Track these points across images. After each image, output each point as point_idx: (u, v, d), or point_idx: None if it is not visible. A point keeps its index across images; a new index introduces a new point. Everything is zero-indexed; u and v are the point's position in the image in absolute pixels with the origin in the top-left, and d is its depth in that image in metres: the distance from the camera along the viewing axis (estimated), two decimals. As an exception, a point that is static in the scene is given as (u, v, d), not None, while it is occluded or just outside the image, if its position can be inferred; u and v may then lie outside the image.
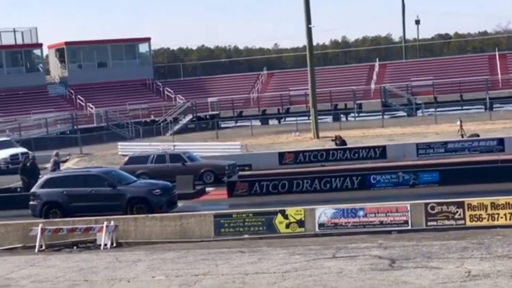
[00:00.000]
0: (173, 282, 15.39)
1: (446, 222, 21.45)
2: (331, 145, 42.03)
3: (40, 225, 22.88)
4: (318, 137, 51.22)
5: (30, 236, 22.90)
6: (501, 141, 37.90)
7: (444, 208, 21.57)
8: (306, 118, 59.62)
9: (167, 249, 20.31)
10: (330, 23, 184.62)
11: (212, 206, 27.76)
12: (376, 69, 76.71)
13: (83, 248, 22.39)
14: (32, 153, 42.33)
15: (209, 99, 72.59)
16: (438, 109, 64.54)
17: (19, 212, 27.87)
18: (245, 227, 22.50)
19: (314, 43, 65.04)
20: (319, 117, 54.80)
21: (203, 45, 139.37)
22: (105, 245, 22.10)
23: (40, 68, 75.63)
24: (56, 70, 77.25)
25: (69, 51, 75.82)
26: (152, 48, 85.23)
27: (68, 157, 49.31)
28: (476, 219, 21.36)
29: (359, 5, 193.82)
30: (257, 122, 69.99)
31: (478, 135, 40.93)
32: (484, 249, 16.51)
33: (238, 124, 72.30)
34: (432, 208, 21.64)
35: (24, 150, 46.27)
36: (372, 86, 72.35)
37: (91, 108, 68.24)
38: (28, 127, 61.27)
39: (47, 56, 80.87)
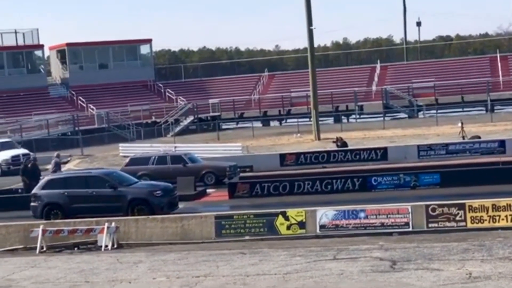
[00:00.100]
0: (174, 283, 15.40)
1: (447, 224, 21.45)
2: (332, 146, 42.03)
3: (41, 227, 22.88)
4: (319, 138, 51.20)
5: (31, 237, 22.90)
6: (502, 143, 37.88)
7: (445, 210, 21.57)
8: (307, 119, 59.61)
9: (168, 251, 20.32)
10: (331, 24, 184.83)
11: (213, 208, 27.75)
12: (377, 70, 76.70)
13: (84, 250, 22.40)
14: (33, 154, 42.30)
15: (210, 101, 72.59)
16: (439, 111, 64.48)
17: (20, 213, 27.89)
18: (246, 228, 22.50)
19: (315, 45, 65.02)
20: (320, 118, 54.80)
21: (204, 47, 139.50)
22: (106, 246, 22.10)
23: (41, 69, 75.65)
24: (57, 71, 77.28)
25: (70, 52, 75.84)
26: (154, 49, 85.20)
27: (69, 159, 49.32)
28: (477, 221, 21.35)
29: (360, 6, 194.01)
30: (258, 124, 69.98)
31: (479, 137, 40.93)
32: (485, 251, 16.52)
33: (239, 125, 72.28)
34: (433, 209, 21.64)
35: (25, 151, 46.27)
36: (373, 87, 72.34)
37: (92, 109, 68.26)
38: (29, 128, 61.27)
39: (48, 57, 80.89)
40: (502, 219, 21.20)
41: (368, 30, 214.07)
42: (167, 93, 75.05)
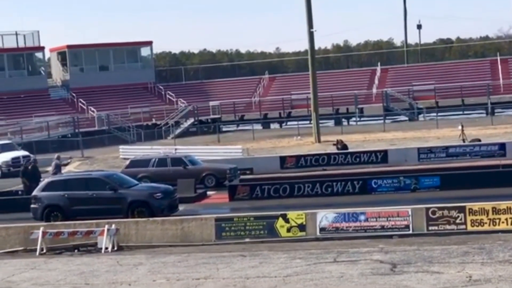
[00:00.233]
0: (174, 285, 15.40)
1: (447, 226, 21.45)
2: (332, 149, 42.03)
3: (41, 228, 22.88)
4: (319, 141, 51.20)
5: (31, 239, 22.91)
6: (502, 146, 37.89)
7: (445, 212, 21.57)
8: (308, 122, 59.59)
9: (168, 253, 20.33)
10: (332, 27, 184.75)
11: (213, 210, 27.76)
12: (378, 73, 76.68)
13: (84, 252, 22.41)
14: (34, 156, 42.31)
15: (211, 103, 72.57)
16: (439, 114, 64.49)
17: (20, 215, 27.89)
18: (246, 231, 22.50)
19: (316, 47, 65.05)
20: (320, 121, 54.80)
21: (204, 49, 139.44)
22: (106, 248, 22.11)
23: (42, 71, 75.65)
24: (58, 73, 77.28)
25: (71, 55, 75.85)
26: (154, 51, 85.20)
27: (69, 161, 49.33)
28: (477, 224, 21.35)
29: (361, 9, 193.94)
30: (258, 126, 69.93)
31: (479, 140, 40.93)
32: (485, 254, 16.52)
33: (240, 128, 72.26)
34: (433, 212, 21.64)
35: (25, 153, 46.29)
36: (374, 90, 72.33)
37: (93, 111, 68.27)
38: (30, 130, 61.26)
39: (49, 59, 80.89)
40: (502, 222, 21.20)
41: (369, 32, 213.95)
42: (167, 95, 75.06)
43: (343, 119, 68.58)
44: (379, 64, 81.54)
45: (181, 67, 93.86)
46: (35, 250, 22.51)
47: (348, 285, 14.43)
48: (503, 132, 48.41)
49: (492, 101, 67.53)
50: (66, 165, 45.91)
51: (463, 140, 42.35)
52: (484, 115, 65.84)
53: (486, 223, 21.30)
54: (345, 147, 41.09)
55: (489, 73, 73.40)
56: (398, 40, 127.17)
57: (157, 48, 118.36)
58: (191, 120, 69.97)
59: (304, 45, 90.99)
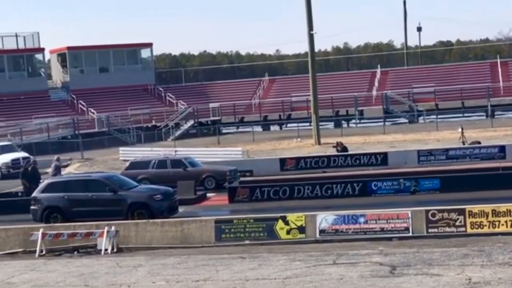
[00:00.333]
0: (173, 287, 15.40)
1: (447, 229, 21.44)
2: (332, 151, 42.01)
3: (41, 230, 22.88)
4: (319, 143, 51.21)
5: (30, 241, 22.91)
6: (502, 148, 37.88)
7: (445, 215, 21.56)
8: (308, 124, 59.59)
9: (167, 255, 20.32)
10: (332, 29, 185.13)
11: (213, 212, 27.76)
12: (378, 75, 76.71)
13: (84, 253, 22.40)
14: (33, 158, 42.32)
15: (211, 105, 72.59)
16: (439, 116, 64.53)
17: (20, 217, 27.86)
18: (246, 233, 22.49)
19: (316, 49, 65.14)
20: (320, 123, 54.81)
21: (205, 51, 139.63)
22: (106, 250, 22.10)
23: (42, 73, 75.67)
24: (58, 75, 77.30)
25: (71, 56, 75.87)
26: (154, 53, 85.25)
27: (69, 162, 49.32)
28: (477, 226, 21.34)
29: (361, 11, 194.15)
30: (258, 128, 69.97)
31: (479, 142, 40.92)
32: (485, 257, 16.51)
33: (240, 130, 72.31)
34: (433, 215, 21.63)
35: (25, 154, 46.29)
36: (374, 92, 72.35)
37: (93, 113, 68.28)
38: (30, 132, 61.26)
39: (49, 60, 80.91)
40: (502, 225, 21.19)
41: (369, 35, 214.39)
42: (167, 97, 75.08)
43: (343, 121, 68.59)
44: (379, 66, 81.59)
45: (181, 69, 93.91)
46: (34, 251, 22.51)
47: (347, 287, 14.43)
48: (503, 135, 48.42)
49: (492, 104, 67.56)
50: (66, 166, 45.90)
51: (463, 143, 42.35)
52: (484, 117, 65.88)
53: (485, 225, 21.30)
54: (345, 149, 41.08)
55: (489, 75, 73.42)
56: (398, 42, 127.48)
57: (157, 50, 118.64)
58: (191, 122, 69.97)
59: (304, 47, 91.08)
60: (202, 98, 75.63)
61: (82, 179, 28.23)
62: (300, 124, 61.82)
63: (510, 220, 21.16)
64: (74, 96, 71.70)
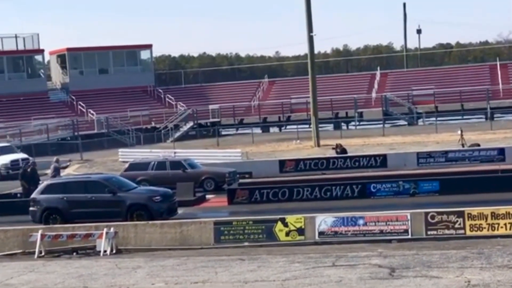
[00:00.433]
0: (172, 289, 15.38)
1: (446, 231, 21.44)
2: (331, 153, 42.02)
3: (40, 231, 22.88)
4: (318, 145, 51.21)
5: (29, 242, 22.90)
6: (501, 150, 37.88)
7: (444, 217, 21.57)
8: (307, 126, 59.63)
9: (167, 256, 20.31)
10: (332, 31, 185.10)
11: (212, 214, 27.75)
12: (377, 77, 76.75)
13: (83, 255, 22.39)
14: (33, 159, 42.31)
15: (210, 106, 72.62)
16: (438, 118, 64.55)
17: (19, 218, 27.86)
18: (245, 234, 22.49)
19: (316, 51, 65.07)
20: (320, 125, 54.80)
21: (204, 53, 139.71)
22: (105, 251, 22.10)
23: (42, 74, 75.68)
24: (57, 76, 77.30)
25: (71, 57, 75.88)
26: (154, 55, 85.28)
27: (68, 163, 49.30)
28: (476, 228, 21.34)
29: (360, 13, 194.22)
30: (258, 130, 69.99)
31: (478, 145, 40.92)
32: (484, 259, 16.50)
33: (239, 131, 72.30)
34: (432, 217, 21.63)
35: (24, 156, 46.28)
36: (373, 94, 72.38)
37: (92, 114, 68.27)
38: (29, 133, 61.25)
39: (48, 62, 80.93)
40: (501, 227, 21.19)
41: (369, 37, 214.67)
42: (167, 99, 75.08)
43: (343, 123, 68.62)
44: (378, 68, 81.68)
45: (180, 71, 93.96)
46: (33, 252, 22.49)
47: (346, 289, 14.43)
48: (502, 137, 48.42)
49: (492, 106, 67.59)
50: (65, 168, 45.89)
51: (462, 145, 42.35)
52: (484, 120, 65.90)
53: (485, 228, 21.30)
54: (344, 151, 41.10)
55: (489, 78, 73.46)
56: (397, 45, 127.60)
57: (157, 52, 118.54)
58: (190, 124, 69.99)
59: (304, 49, 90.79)
60: (202, 100, 75.67)
61: (81, 180, 28.22)
62: (299, 126, 61.84)
63: (509, 223, 21.16)
64: (73, 98, 71.71)
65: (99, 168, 45.85)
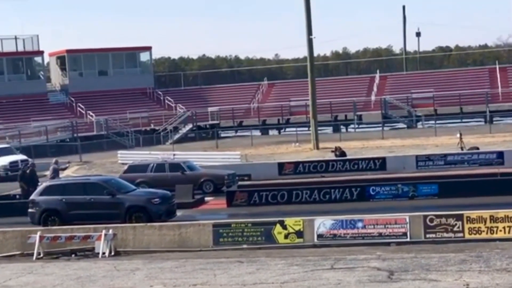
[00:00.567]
0: (171, 291, 15.38)
1: (445, 234, 21.44)
2: (331, 156, 42.03)
3: (39, 233, 22.86)
4: (318, 148, 51.20)
5: (28, 244, 22.89)
6: (500, 154, 37.89)
7: (443, 220, 21.56)
8: (306, 128, 59.63)
9: (165, 258, 20.30)
10: (331, 34, 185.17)
11: (211, 216, 27.73)
12: (377, 80, 76.77)
13: (81, 256, 22.38)
14: (32, 161, 42.28)
15: (210, 109, 72.62)
16: (438, 122, 64.56)
17: (17, 219, 27.86)
18: (244, 237, 22.48)
19: (315, 54, 65.19)
20: (319, 128, 54.81)
21: (204, 55, 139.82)
22: (104, 253, 22.08)
23: (41, 76, 75.64)
24: (57, 78, 77.28)
25: (70, 59, 75.86)
26: (153, 57, 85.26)
27: (67, 165, 49.30)
28: (475, 232, 21.34)
29: (360, 16, 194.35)
30: (257, 132, 69.97)
31: (477, 148, 40.93)
32: (482, 262, 16.51)
33: (238, 134, 72.27)
34: (431, 220, 21.63)
35: (23, 157, 46.27)
36: (373, 97, 72.39)
37: (91, 116, 68.26)
38: (28, 135, 61.23)
39: (48, 63, 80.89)
40: (500, 231, 21.19)
41: (368, 40, 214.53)
42: (166, 101, 75.07)
43: (342, 126, 68.60)
44: (378, 71, 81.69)
45: (180, 73, 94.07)
46: (32, 254, 22.48)
47: (345, 292, 14.43)
48: (501, 141, 48.44)
49: (491, 110, 67.62)
50: (64, 169, 45.89)
51: (462, 148, 42.36)
52: (483, 123, 65.93)
53: (483, 231, 21.30)
54: (343, 154, 41.10)
55: (488, 81, 73.50)
56: (397, 48, 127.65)
57: (156, 54, 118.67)
58: (189, 126, 70.00)
59: (303, 52, 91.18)
60: (201, 102, 75.67)
61: (80, 182, 28.22)
62: (298, 129, 61.83)
63: (508, 226, 21.16)
64: (73, 99, 71.69)
65: (98, 170, 45.86)
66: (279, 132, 72.47)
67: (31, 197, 27.79)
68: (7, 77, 71.46)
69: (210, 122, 71.62)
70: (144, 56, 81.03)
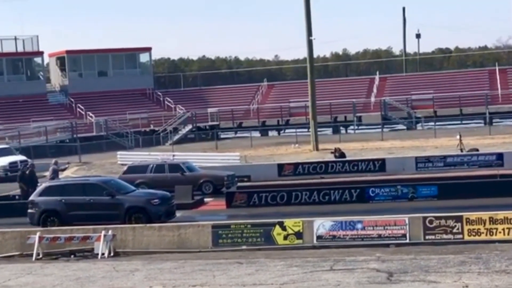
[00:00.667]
0: (170, 292, 15.38)
1: (444, 236, 21.44)
2: (330, 157, 41.98)
3: (38, 233, 22.86)
4: (317, 149, 51.20)
5: (27, 244, 22.89)
6: (500, 156, 37.88)
7: (442, 222, 21.56)
8: (306, 130, 59.61)
9: (164, 259, 20.31)
10: (331, 35, 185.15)
11: (211, 217, 27.73)
12: (376, 82, 76.78)
13: (81, 257, 22.38)
14: (31, 161, 42.28)
15: (209, 110, 72.61)
16: (437, 123, 64.55)
17: (17, 220, 27.85)
18: (243, 238, 22.48)
19: (315, 55, 65.20)
20: (318, 129, 54.79)
21: (203, 56, 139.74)
22: (103, 254, 22.08)
23: (41, 76, 75.63)
24: (56, 79, 77.28)
25: (70, 60, 75.84)
26: (153, 58, 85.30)
27: (67, 166, 49.29)
28: (474, 233, 21.34)
29: (360, 18, 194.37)
30: (256, 133, 69.97)
31: (477, 150, 40.93)
32: (482, 264, 16.51)
33: (238, 135, 72.28)
34: (430, 222, 21.63)
35: (23, 158, 46.25)
36: (372, 99, 72.40)
37: (91, 117, 68.24)
38: (28, 135, 61.22)
39: (47, 64, 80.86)
40: (499, 232, 21.19)
41: (368, 41, 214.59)
42: (166, 102, 75.07)
43: (341, 127, 68.57)
44: (377, 72, 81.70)
45: (179, 74, 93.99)
46: (31, 255, 22.48)
47: (344, 293, 14.42)
48: (501, 142, 48.45)
49: (490, 111, 67.62)
50: (63, 170, 45.88)
51: (461, 150, 42.34)
52: (482, 124, 65.92)
53: (483, 232, 21.30)
54: (343, 155, 41.07)
55: (488, 83, 73.50)
56: (397, 49, 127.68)
57: (156, 54, 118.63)
58: (189, 127, 69.98)
59: (303, 53, 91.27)
60: (201, 103, 75.65)
61: (80, 183, 28.19)
62: (298, 130, 61.80)
63: (507, 228, 21.17)
64: (72, 100, 71.67)
65: (98, 170, 45.85)
66: (279, 133, 72.46)
67: (31, 197, 27.78)
68: (7, 78, 71.45)
69: (210, 123, 71.61)
70: (143, 57, 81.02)
